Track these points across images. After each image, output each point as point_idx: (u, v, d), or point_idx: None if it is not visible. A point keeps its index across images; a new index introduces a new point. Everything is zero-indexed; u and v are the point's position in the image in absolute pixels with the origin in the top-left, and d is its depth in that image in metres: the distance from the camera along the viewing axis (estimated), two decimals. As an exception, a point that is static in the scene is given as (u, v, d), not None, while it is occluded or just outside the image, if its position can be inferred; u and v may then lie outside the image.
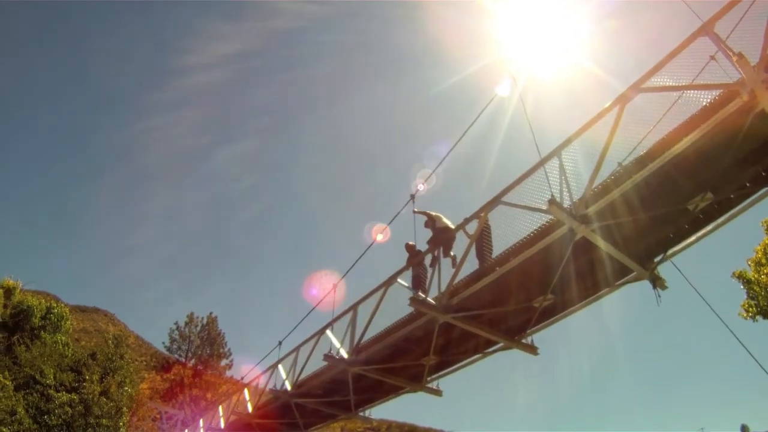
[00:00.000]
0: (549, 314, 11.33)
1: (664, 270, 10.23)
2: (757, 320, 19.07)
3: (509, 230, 10.20)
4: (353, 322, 13.48)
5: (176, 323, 63.37)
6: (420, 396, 14.11)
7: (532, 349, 11.92)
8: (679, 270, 10.07)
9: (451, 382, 14.04)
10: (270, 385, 17.36)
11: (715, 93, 7.72)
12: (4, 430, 27.14)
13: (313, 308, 15.74)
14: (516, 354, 12.21)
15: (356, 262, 14.66)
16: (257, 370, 19.97)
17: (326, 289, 15.33)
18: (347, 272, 14.83)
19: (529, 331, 11.70)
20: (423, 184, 13.48)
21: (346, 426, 49.18)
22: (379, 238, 14.23)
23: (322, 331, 14.84)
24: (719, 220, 9.47)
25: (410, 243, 13.27)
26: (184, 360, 61.54)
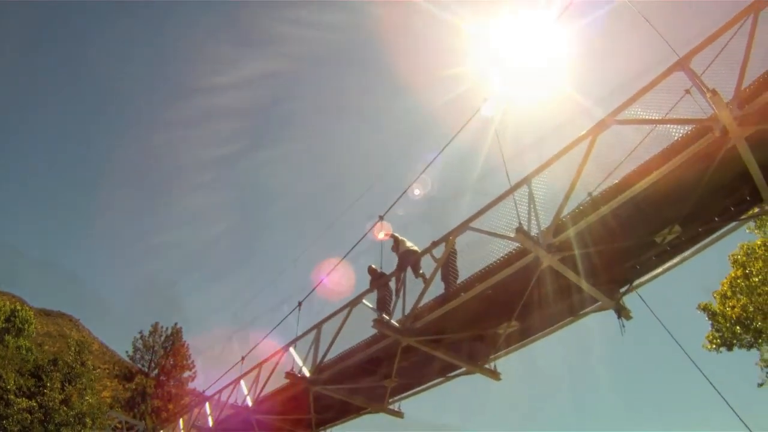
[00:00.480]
0: (513, 340, 11.30)
1: (629, 300, 10.31)
2: (720, 352, 19.27)
3: (479, 255, 10.20)
4: (317, 341, 13.35)
5: (140, 332, 62.72)
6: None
7: (494, 375, 11.90)
8: (644, 301, 10.12)
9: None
10: (231, 401, 17.17)
11: (689, 127, 7.76)
12: None
13: (277, 325, 15.58)
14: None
15: (317, 285, 14.61)
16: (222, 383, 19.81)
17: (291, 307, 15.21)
18: (311, 291, 14.73)
19: (492, 357, 11.68)
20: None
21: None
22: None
23: (285, 348, 14.65)
24: (686, 253, 9.56)
25: (372, 266, 13.21)
26: (146, 370, 61.00)
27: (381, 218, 12.79)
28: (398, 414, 13.88)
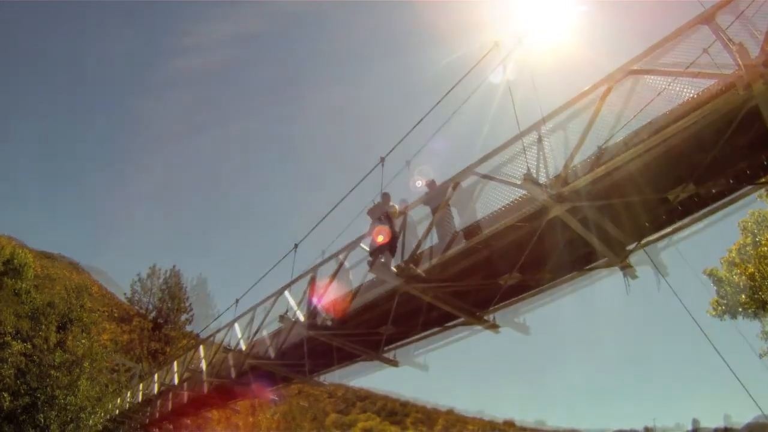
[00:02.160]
0: (515, 293, 11.16)
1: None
2: (724, 319, 19.25)
3: (484, 204, 10.03)
4: (312, 285, 13.25)
5: (138, 275, 63.12)
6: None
7: (493, 327, 11.83)
8: (651, 259, 9.98)
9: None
10: (225, 344, 17.19)
11: (708, 83, 7.48)
12: None
13: (273, 267, 15.46)
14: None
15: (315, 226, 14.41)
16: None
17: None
18: (308, 234, 14.54)
19: (491, 308, 11.54)
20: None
21: (302, 390, 49.35)
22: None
23: (280, 292, 14.59)
24: (697, 214, 9.33)
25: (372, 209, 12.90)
26: (144, 313, 61.56)
27: (382, 160, 12.48)
28: (393, 363, 13.86)
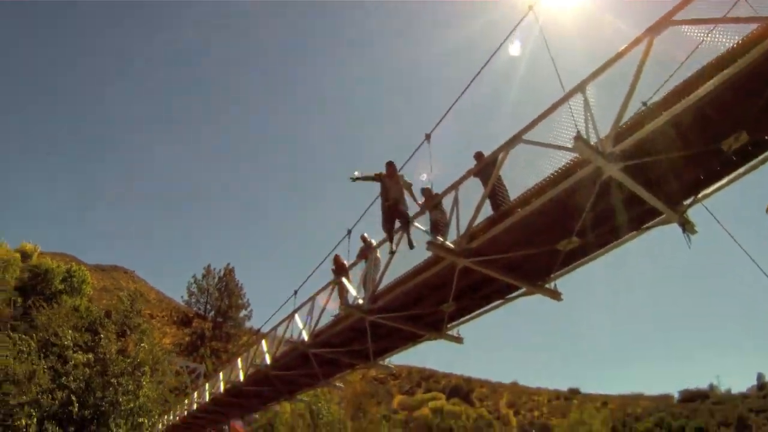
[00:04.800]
0: (573, 258, 11.21)
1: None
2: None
3: (527, 174, 10.13)
4: (369, 269, 13.52)
5: (194, 276, 64.47)
6: (441, 343, 14.20)
7: (555, 294, 11.84)
8: (711, 212, 9.96)
9: (469, 329, 14.05)
10: (287, 336, 17.54)
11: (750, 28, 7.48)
12: (33, 388, 27.88)
13: (327, 255, 15.71)
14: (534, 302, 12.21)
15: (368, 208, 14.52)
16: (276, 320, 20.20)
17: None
18: (360, 218, 14.68)
19: (552, 276, 11.62)
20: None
21: (366, 374, 49.88)
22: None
23: (338, 279, 14.94)
24: (753, 162, 9.28)
25: (426, 187, 13.09)
26: (203, 313, 62.75)
27: (428, 137, 12.59)
28: (457, 340, 14.03)
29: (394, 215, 12.62)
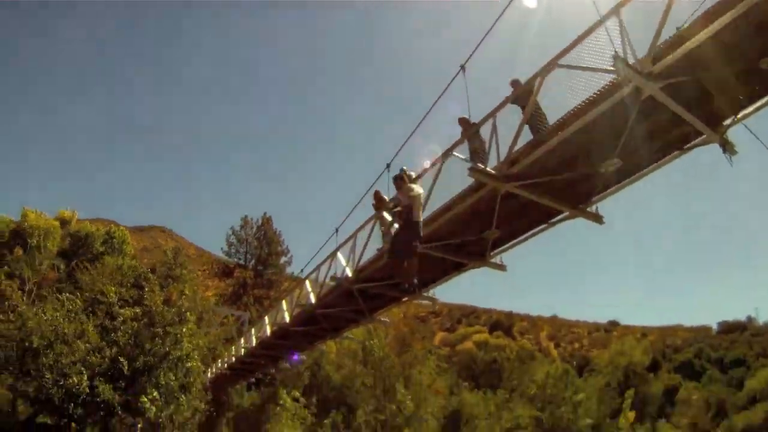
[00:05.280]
0: (614, 181, 11.26)
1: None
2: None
3: (565, 100, 10.16)
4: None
5: (232, 228, 65.41)
6: (481, 279, 14.37)
7: (597, 218, 11.92)
8: (752, 132, 9.96)
9: (509, 261, 14.16)
10: (330, 275, 17.82)
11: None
12: (81, 346, 28.74)
13: (367, 192, 15.73)
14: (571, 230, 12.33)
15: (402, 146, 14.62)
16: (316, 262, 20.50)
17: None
18: (396, 153, 14.72)
19: (594, 199, 11.71)
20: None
21: (407, 312, 50.48)
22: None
23: (378, 213, 15.09)
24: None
25: (464, 117, 13.03)
26: (244, 263, 63.77)
27: (462, 68, 12.47)
28: (501, 267, 14.21)
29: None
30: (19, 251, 44.27)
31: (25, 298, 35.71)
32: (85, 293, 33.34)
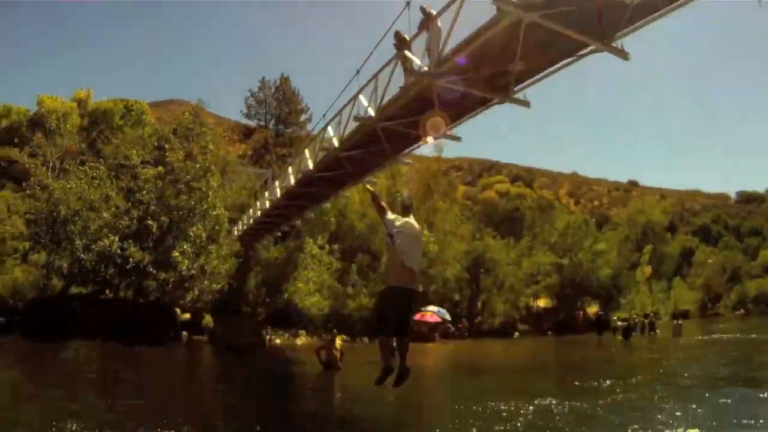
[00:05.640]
0: (641, 14, 10.97)
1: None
2: None
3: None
4: (431, 34, 13.44)
5: (250, 90, 65.49)
6: (503, 131, 14.17)
7: (622, 53, 11.58)
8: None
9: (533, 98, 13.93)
10: (354, 113, 17.71)
11: None
12: (105, 215, 29.51)
13: (390, 28, 15.13)
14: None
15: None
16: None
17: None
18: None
19: (618, 34, 11.36)
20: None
21: (428, 166, 50.76)
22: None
23: (399, 52, 14.80)
24: None
25: None
26: (264, 124, 64.11)
27: None
28: (524, 103, 14.05)
29: None
30: (39, 137, 44.92)
31: (49, 173, 36.88)
32: (108, 161, 33.91)
